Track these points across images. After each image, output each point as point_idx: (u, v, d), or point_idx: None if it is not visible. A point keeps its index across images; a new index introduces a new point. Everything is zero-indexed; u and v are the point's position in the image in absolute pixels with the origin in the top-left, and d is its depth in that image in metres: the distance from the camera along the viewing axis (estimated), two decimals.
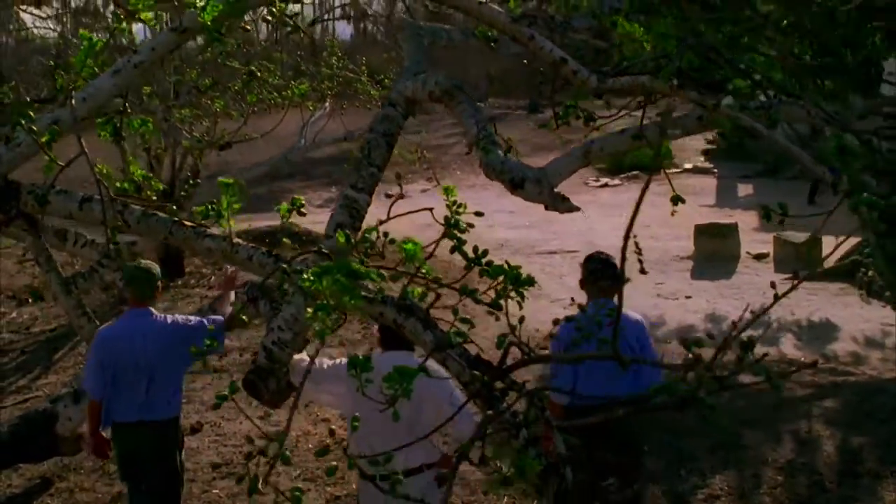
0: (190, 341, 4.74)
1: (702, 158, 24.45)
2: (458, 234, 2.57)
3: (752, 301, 10.88)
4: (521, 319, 2.23)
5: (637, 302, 11.41)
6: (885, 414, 7.14)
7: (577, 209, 4.45)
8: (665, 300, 11.51)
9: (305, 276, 2.23)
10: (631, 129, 3.82)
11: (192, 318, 5.27)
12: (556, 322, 2.27)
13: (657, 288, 12.07)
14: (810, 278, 12.12)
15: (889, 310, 10.72)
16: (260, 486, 2.24)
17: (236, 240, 2.71)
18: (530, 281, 2.49)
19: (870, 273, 11.59)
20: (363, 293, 2.65)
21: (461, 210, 2.60)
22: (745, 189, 20.51)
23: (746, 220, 16.41)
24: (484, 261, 2.45)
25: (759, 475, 6.32)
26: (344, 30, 39.76)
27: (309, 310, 2.34)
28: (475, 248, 2.47)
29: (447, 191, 2.33)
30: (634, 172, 22.67)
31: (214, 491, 6.46)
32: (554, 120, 3.68)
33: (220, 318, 5.15)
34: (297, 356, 4.44)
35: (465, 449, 2.04)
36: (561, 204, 4.19)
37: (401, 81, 4.33)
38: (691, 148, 25.89)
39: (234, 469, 6.77)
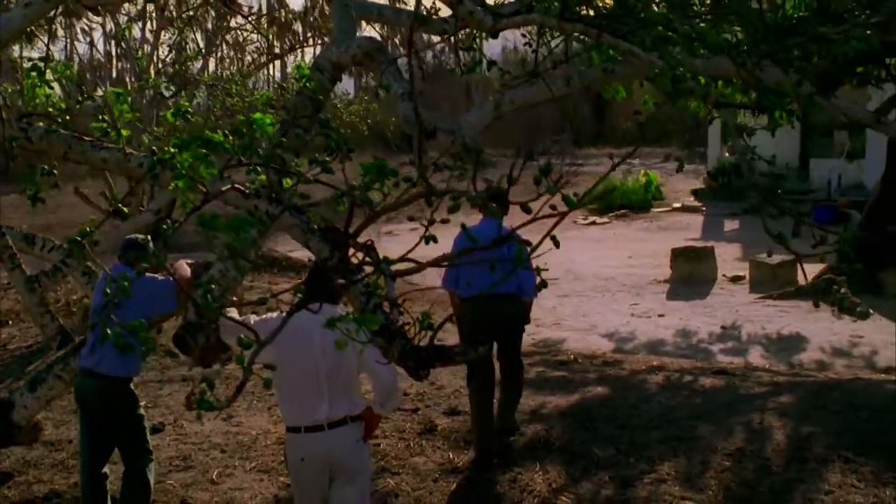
0: (137, 301, 4.92)
1: (691, 198, 24.70)
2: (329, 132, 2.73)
3: (724, 318, 11.03)
4: (361, 187, 2.38)
5: (610, 320, 11.54)
6: (838, 406, 7.20)
7: (490, 164, 4.65)
8: (638, 318, 11.61)
9: (168, 149, 2.39)
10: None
11: (157, 277, 5.43)
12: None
13: (631, 308, 12.19)
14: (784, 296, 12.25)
15: (859, 323, 10.82)
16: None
17: (129, 150, 2.87)
18: (393, 172, 2.65)
19: (842, 290, 11.70)
20: (254, 202, 2.81)
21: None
22: (731, 224, 20.71)
23: (729, 251, 16.58)
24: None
25: (707, 461, 6.37)
26: (347, 82, 40.47)
27: (171, 185, 2.49)
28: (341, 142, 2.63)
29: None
30: (623, 211, 22.92)
31: (169, 482, 6.53)
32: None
33: (172, 280, 5.29)
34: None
35: (298, 292, 2.17)
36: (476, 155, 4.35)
37: (327, 48, 4.54)
38: (682, 189, 26.23)
39: (192, 463, 6.85)
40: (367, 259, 2.48)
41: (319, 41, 37.07)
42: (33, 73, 3.37)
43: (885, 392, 7.74)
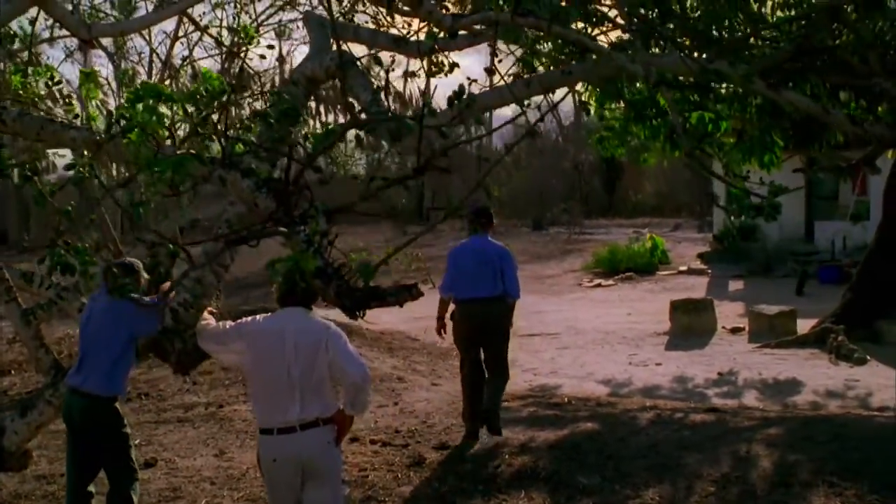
0: (121, 321, 5.08)
1: (697, 261, 24.77)
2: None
3: (722, 366, 11.02)
4: (298, 144, 2.55)
5: (607, 368, 11.57)
6: (825, 437, 7.19)
7: (447, 172, 4.90)
8: (635, 367, 11.63)
9: (123, 103, 2.57)
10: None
11: (144, 299, 5.51)
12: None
13: (630, 358, 12.21)
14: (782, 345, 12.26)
15: (856, 369, 10.81)
16: None
17: (96, 127, 3.05)
18: (333, 132, 2.82)
19: (839, 338, 11.71)
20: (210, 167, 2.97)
21: None
22: (735, 285, 20.75)
23: (732, 308, 16.59)
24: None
25: (692, 487, 6.37)
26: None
27: (125, 141, 2.66)
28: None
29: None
30: (629, 274, 22.99)
31: None
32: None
33: (154, 299, 5.41)
34: (202, 322, 4.71)
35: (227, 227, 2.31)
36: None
37: (303, 63, 4.77)
38: (689, 255, 26.35)
39: (181, 494, 6.89)
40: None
41: (330, 112, 37.88)
42: (16, 76, 3.59)
43: (874, 425, 7.74)
